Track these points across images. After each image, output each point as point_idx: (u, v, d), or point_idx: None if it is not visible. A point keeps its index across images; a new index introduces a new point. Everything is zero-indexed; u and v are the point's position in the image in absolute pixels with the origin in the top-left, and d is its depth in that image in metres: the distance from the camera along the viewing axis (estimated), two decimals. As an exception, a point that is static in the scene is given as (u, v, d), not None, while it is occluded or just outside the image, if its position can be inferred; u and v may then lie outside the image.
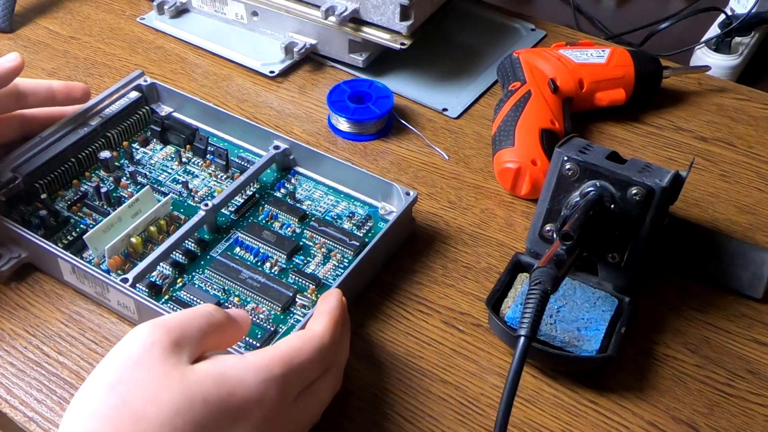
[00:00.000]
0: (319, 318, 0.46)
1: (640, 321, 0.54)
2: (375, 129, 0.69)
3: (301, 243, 0.57)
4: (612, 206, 0.50)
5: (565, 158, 0.51)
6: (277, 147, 0.62)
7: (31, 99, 0.60)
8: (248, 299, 0.53)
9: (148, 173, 0.63)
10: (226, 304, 0.53)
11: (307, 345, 0.43)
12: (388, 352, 0.52)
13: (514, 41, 0.80)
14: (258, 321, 0.52)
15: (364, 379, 0.51)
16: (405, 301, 0.56)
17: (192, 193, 0.61)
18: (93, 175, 0.62)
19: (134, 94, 0.66)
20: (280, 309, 0.53)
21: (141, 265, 0.52)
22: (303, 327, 0.48)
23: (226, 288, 0.54)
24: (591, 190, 0.50)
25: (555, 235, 0.53)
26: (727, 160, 0.67)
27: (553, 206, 0.52)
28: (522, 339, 0.42)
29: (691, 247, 0.58)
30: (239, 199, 0.60)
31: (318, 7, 0.72)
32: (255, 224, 0.58)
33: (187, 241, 0.57)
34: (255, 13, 0.77)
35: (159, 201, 0.58)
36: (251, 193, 0.61)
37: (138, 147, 0.65)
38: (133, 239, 0.56)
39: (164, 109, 0.68)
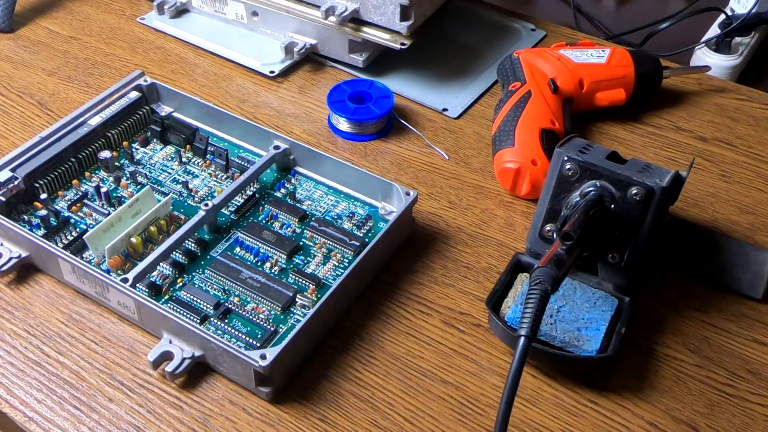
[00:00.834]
0: None
1: (640, 321, 0.54)
2: (375, 129, 0.69)
3: (301, 243, 0.57)
4: (612, 206, 0.50)
5: (565, 158, 0.51)
6: (277, 147, 0.62)
7: None
8: (248, 299, 0.53)
9: (148, 173, 0.63)
10: (227, 304, 0.53)
11: None
12: (388, 352, 0.52)
13: (514, 41, 0.80)
14: (258, 321, 0.52)
15: (364, 379, 0.51)
16: (405, 301, 0.56)
17: (192, 193, 0.61)
18: (93, 175, 0.62)
19: (134, 94, 0.66)
20: (280, 309, 0.53)
21: (141, 265, 0.52)
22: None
23: (226, 288, 0.54)
24: (591, 190, 0.50)
25: (555, 235, 0.53)
26: (727, 160, 0.67)
27: (553, 206, 0.52)
28: (522, 339, 0.42)
29: (691, 247, 0.58)
30: (239, 199, 0.60)
31: (318, 7, 0.72)
32: (255, 224, 0.58)
33: (187, 241, 0.57)
34: (255, 13, 0.77)
35: (159, 201, 0.58)
36: (251, 193, 0.61)
37: (138, 147, 0.65)
38: (133, 239, 0.56)
39: (164, 109, 0.68)
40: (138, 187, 0.61)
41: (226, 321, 0.52)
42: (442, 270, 0.58)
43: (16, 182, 0.58)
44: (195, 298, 0.53)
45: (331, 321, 0.53)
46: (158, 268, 0.55)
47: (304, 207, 0.60)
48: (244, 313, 0.53)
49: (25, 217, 0.58)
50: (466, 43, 0.80)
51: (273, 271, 0.55)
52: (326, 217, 0.59)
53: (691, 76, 0.76)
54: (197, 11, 0.81)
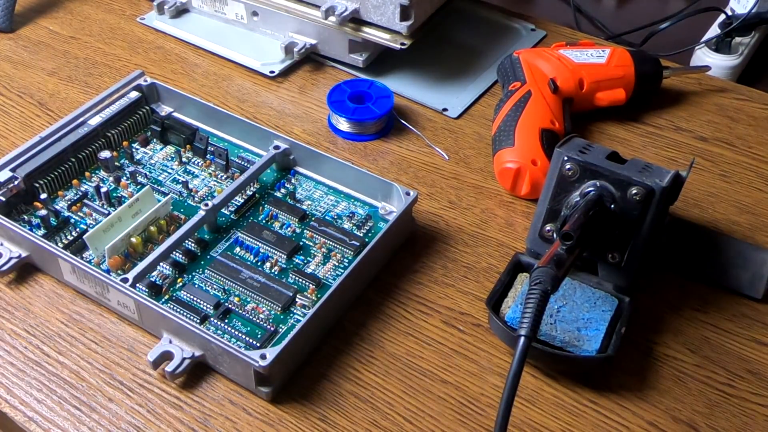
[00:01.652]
0: None
1: (640, 321, 0.54)
2: (375, 129, 0.69)
3: (301, 243, 0.57)
4: (612, 206, 0.50)
5: (565, 158, 0.51)
6: (277, 147, 0.62)
7: None
8: (248, 299, 0.53)
9: (148, 173, 0.63)
10: (227, 304, 0.53)
11: None
12: (388, 352, 0.52)
13: (514, 41, 0.80)
14: (258, 321, 0.52)
15: (364, 379, 0.51)
16: (405, 301, 0.56)
17: (192, 193, 0.61)
18: (93, 175, 0.62)
19: (134, 94, 0.66)
20: (280, 309, 0.53)
21: (141, 265, 0.52)
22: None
23: (226, 288, 0.54)
24: (591, 190, 0.50)
25: (555, 235, 0.53)
26: (727, 160, 0.67)
27: (553, 206, 0.52)
28: (522, 339, 0.42)
29: (691, 247, 0.58)
30: (239, 199, 0.60)
31: (318, 7, 0.72)
32: (255, 224, 0.58)
33: (187, 241, 0.57)
34: (255, 13, 0.77)
35: (159, 201, 0.58)
36: (251, 193, 0.61)
37: (138, 147, 0.65)
38: (133, 239, 0.56)
39: (164, 109, 0.68)
40: (138, 187, 0.61)
41: (226, 321, 0.52)
42: (442, 270, 0.58)
43: (16, 182, 0.58)
44: (195, 298, 0.53)
45: (331, 321, 0.53)
46: (158, 268, 0.55)
47: (304, 207, 0.60)
48: (244, 313, 0.53)
49: (25, 217, 0.58)
50: (466, 43, 0.80)
51: (273, 271, 0.55)
52: (326, 217, 0.59)
53: (691, 76, 0.76)
54: (197, 11, 0.81)
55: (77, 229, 0.58)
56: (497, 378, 0.51)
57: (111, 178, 0.62)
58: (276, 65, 0.75)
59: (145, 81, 0.67)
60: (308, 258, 0.56)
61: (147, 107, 0.67)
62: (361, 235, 0.58)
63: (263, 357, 0.46)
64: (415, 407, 0.49)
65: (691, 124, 0.71)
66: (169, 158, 0.64)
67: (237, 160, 0.64)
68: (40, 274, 0.57)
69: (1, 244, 0.56)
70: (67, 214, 0.59)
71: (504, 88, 0.70)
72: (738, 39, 0.82)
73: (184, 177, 0.62)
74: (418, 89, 0.74)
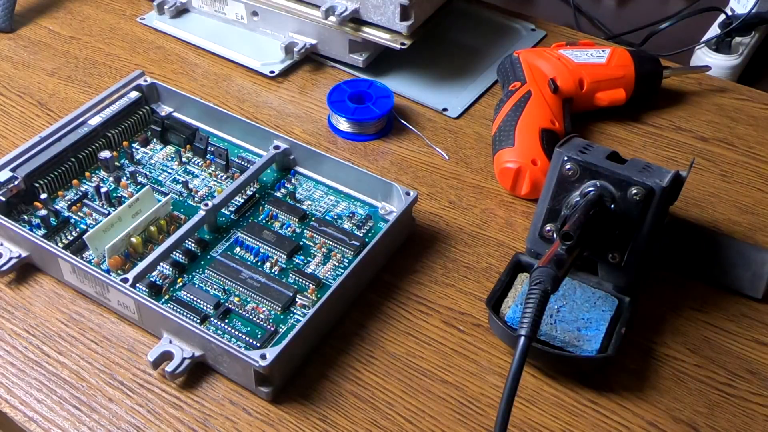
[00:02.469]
0: None
1: (640, 321, 0.54)
2: (375, 129, 0.69)
3: (301, 243, 0.57)
4: (612, 206, 0.50)
5: (565, 158, 0.51)
6: (277, 147, 0.62)
7: None
8: (248, 299, 0.53)
9: (148, 173, 0.63)
10: (227, 304, 0.53)
11: None
12: (388, 352, 0.52)
13: (514, 41, 0.80)
14: (258, 321, 0.52)
15: (364, 379, 0.51)
16: (405, 301, 0.56)
17: (192, 193, 0.61)
18: (93, 175, 0.62)
19: (134, 94, 0.66)
20: (280, 309, 0.53)
21: (141, 265, 0.52)
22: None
23: (226, 288, 0.54)
24: (591, 190, 0.50)
25: (555, 235, 0.53)
26: (727, 160, 0.67)
27: (553, 206, 0.52)
28: (522, 339, 0.42)
29: (691, 247, 0.58)
30: (239, 199, 0.60)
31: (318, 7, 0.72)
32: (255, 224, 0.58)
33: (187, 241, 0.57)
34: (255, 13, 0.77)
35: (159, 201, 0.58)
36: (251, 193, 0.61)
37: (138, 147, 0.65)
38: (133, 239, 0.56)
39: (164, 109, 0.68)
40: (138, 187, 0.61)
41: (226, 321, 0.52)
42: (442, 270, 0.58)
43: (16, 182, 0.58)
44: (195, 298, 0.53)
45: (331, 321, 0.53)
46: (158, 268, 0.55)
47: (304, 207, 0.60)
48: (244, 313, 0.53)
49: (25, 217, 0.58)
50: (466, 43, 0.80)
51: (273, 271, 0.55)
52: (326, 217, 0.59)
53: (691, 76, 0.76)
54: (197, 11, 0.81)
55: (77, 229, 0.58)
56: (497, 378, 0.51)
57: (111, 178, 0.62)
58: (276, 65, 0.75)
59: (145, 81, 0.67)
60: (308, 258, 0.56)
61: (147, 107, 0.67)
62: (361, 235, 0.58)
63: (263, 357, 0.46)
64: (415, 407, 0.49)
65: (691, 124, 0.71)
66: (169, 158, 0.64)
67: (237, 160, 0.64)
68: (40, 274, 0.57)
69: (1, 244, 0.56)
70: (67, 214, 0.59)
71: (504, 88, 0.70)
72: (738, 39, 0.82)
73: (184, 177, 0.62)
74: (418, 89, 0.74)
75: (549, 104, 0.65)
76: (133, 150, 0.65)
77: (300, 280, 0.55)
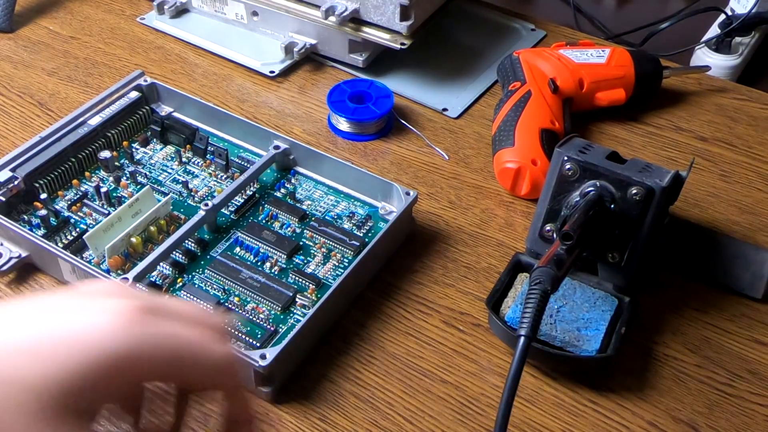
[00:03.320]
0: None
1: (640, 321, 0.54)
2: (375, 129, 0.69)
3: (301, 243, 0.57)
4: (612, 206, 0.50)
5: (565, 158, 0.51)
6: (277, 147, 0.62)
7: None
8: (248, 299, 0.53)
9: (148, 173, 0.63)
10: (227, 304, 0.53)
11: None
12: (388, 352, 0.52)
13: (514, 41, 0.80)
14: (258, 321, 0.52)
15: (364, 379, 0.51)
16: (405, 301, 0.56)
17: (192, 193, 0.61)
18: (93, 175, 0.62)
19: (134, 94, 0.66)
20: (280, 309, 0.53)
21: (141, 265, 0.52)
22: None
23: (226, 288, 0.54)
24: (591, 190, 0.50)
25: (555, 235, 0.53)
26: (727, 160, 0.67)
27: (553, 206, 0.52)
28: (522, 339, 0.42)
29: (691, 247, 0.58)
30: (239, 199, 0.60)
31: (318, 7, 0.72)
32: (255, 224, 0.58)
33: (187, 241, 0.57)
34: (255, 13, 0.77)
35: (159, 201, 0.58)
36: (251, 193, 0.61)
37: (138, 147, 0.65)
38: (133, 239, 0.56)
39: (164, 109, 0.68)
40: (138, 187, 0.61)
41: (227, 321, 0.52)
42: (442, 270, 0.58)
43: (16, 182, 0.58)
44: (195, 298, 0.53)
45: (331, 321, 0.53)
46: (158, 268, 0.55)
47: (304, 207, 0.60)
48: (244, 313, 0.53)
49: (25, 217, 0.58)
50: (466, 43, 0.80)
51: (273, 271, 0.55)
52: (326, 217, 0.59)
53: (691, 76, 0.76)
54: (197, 11, 0.81)
55: (77, 229, 0.58)
56: (497, 378, 0.51)
57: (111, 178, 0.62)
58: (276, 65, 0.75)
59: (145, 81, 0.67)
60: (308, 258, 0.56)
61: (147, 107, 0.67)
62: (361, 235, 0.58)
63: (263, 357, 0.46)
64: (415, 407, 0.49)
65: (691, 124, 0.71)
66: (169, 158, 0.64)
67: (237, 160, 0.64)
68: (40, 274, 0.56)
69: (1, 244, 0.56)
70: (67, 214, 0.59)
71: (504, 88, 0.70)
72: (738, 39, 0.82)
73: (184, 177, 0.62)
74: (418, 89, 0.74)
75: (549, 104, 0.65)
76: (133, 150, 0.65)
77: (300, 280, 0.55)
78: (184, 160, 0.64)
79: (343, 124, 0.68)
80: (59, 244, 0.56)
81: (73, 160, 0.61)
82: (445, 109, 0.72)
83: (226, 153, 0.62)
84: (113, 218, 0.55)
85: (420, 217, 0.61)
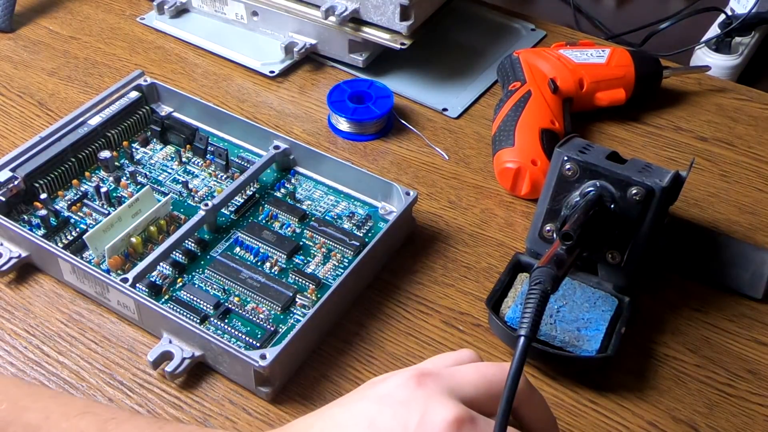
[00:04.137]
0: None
1: (640, 321, 0.54)
2: (375, 129, 0.69)
3: (301, 243, 0.57)
4: (612, 206, 0.50)
5: (565, 158, 0.51)
6: (277, 147, 0.62)
7: None
8: (248, 299, 0.53)
9: (148, 173, 0.63)
10: (227, 304, 0.53)
11: None
12: (388, 352, 0.52)
13: (514, 41, 0.80)
14: (258, 321, 0.52)
15: (364, 379, 0.51)
16: (405, 301, 0.56)
17: (192, 193, 0.61)
18: (93, 175, 0.62)
19: (134, 94, 0.66)
20: (280, 309, 0.53)
21: (141, 265, 0.52)
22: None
23: (226, 288, 0.54)
24: (591, 190, 0.50)
25: (555, 235, 0.53)
26: (727, 160, 0.67)
27: (553, 206, 0.52)
28: (522, 339, 0.42)
29: (691, 247, 0.58)
30: (239, 199, 0.60)
31: (318, 7, 0.72)
32: (255, 224, 0.58)
33: (187, 241, 0.57)
34: (255, 13, 0.77)
35: (159, 201, 0.58)
36: (251, 193, 0.61)
37: (138, 147, 0.65)
38: (133, 239, 0.56)
39: (164, 109, 0.68)
40: (138, 187, 0.61)
41: (226, 321, 0.52)
42: (442, 270, 0.58)
43: (16, 182, 0.58)
44: (195, 298, 0.53)
45: (331, 321, 0.53)
46: (158, 268, 0.55)
47: (304, 207, 0.60)
48: (244, 313, 0.53)
49: (25, 217, 0.58)
50: (466, 43, 0.80)
51: (273, 271, 0.55)
52: (326, 217, 0.59)
53: (691, 76, 0.76)
54: (197, 11, 0.81)
55: (77, 229, 0.58)
56: (497, 378, 0.51)
57: (111, 178, 0.62)
58: (276, 65, 0.75)
59: (145, 81, 0.67)
60: (308, 258, 0.56)
61: (147, 107, 0.67)
62: (361, 235, 0.58)
63: (263, 357, 0.46)
64: (415, 407, 0.49)
65: (691, 124, 0.71)
66: (169, 158, 0.64)
67: (237, 160, 0.64)
68: (40, 274, 0.56)
69: (1, 244, 0.56)
70: (67, 214, 0.59)
71: (504, 88, 0.70)
72: (738, 39, 0.82)
73: (184, 177, 0.62)
74: (418, 89, 0.74)
75: (549, 104, 0.65)
76: (133, 150, 0.65)
77: (300, 280, 0.55)
78: (184, 160, 0.64)
79: (343, 124, 0.68)
80: (59, 244, 0.56)
81: (73, 160, 0.61)
82: (445, 109, 0.72)
83: (226, 153, 0.62)
84: (113, 218, 0.55)
85: (420, 217, 0.61)
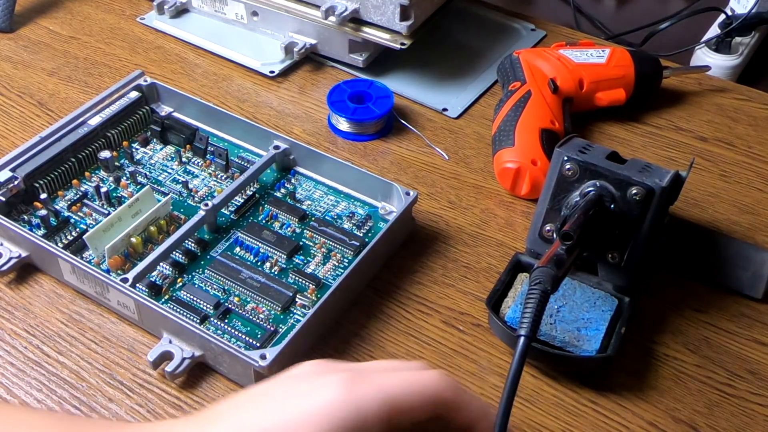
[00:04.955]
0: None
1: (640, 321, 0.54)
2: (375, 129, 0.69)
3: (301, 243, 0.57)
4: (612, 206, 0.50)
5: (565, 158, 0.51)
6: (277, 147, 0.62)
7: None
8: (248, 299, 0.53)
9: (148, 173, 0.63)
10: (227, 304, 0.53)
11: None
12: (388, 352, 0.52)
13: (514, 41, 0.80)
14: (258, 321, 0.52)
15: (364, 379, 0.51)
16: (405, 301, 0.56)
17: (192, 193, 0.61)
18: (93, 175, 0.62)
19: (134, 94, 0.66)
20: (280, 309, 0.53)
21: (141, 265, 0.52)
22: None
23: (226, 288, 0.54)
24: (591, 190, 0.50)
25: (555, 235, 0.53)
26: (727, 160, 0.67)
27: (553, 206, 0.52)
28: (522, 339, 0.42)
29: (691, 247, 0.58)
30: (239, 199, 0.60)
31: (318, 7, 0.72)
32: (255, 224, 0.58)
33: (187, 241, 0.57)
34: (255, 13, 0.77)
35: (159, 201, 0.58)
36: (251, 193, 0.61)
37: (138, 147, 0.65)
38: (133, 239, 0.56)
39: (164, 109, 0.68)
40: (138, 187, 0.61)
41: (226, 321, 0.52)
42: (442, 270, 0.58)
43: (16, 182, 0.58)
44: (195, 298, 0.53)
45: (331, 321, 0.53)
46: (158, 268, 0.55)
47: (304, 207, 0.60)
48: (244, 313, 0.53)
49: (25, 217, 0.58)
50: (466, 43, 0.80)
51: (273, 271, 0.55)
52: (326, 217, 0.59)
53: (691, 76, 0.76)
54: (197, 11, 0.81)
55: (77, 229, 0.58)
56: (497, 378, 0.51)
57: (111, 178, 0.62)
58: (276, 65, 0.75)
59: (145, 81, 0.67)
60: (308, 258, 0.56)
61: (147, 107, 0.67)
62: (361, 235, 0.58)
63: (263, 357, 0.46)
64: (415, 407, 0.49)
65: (691, 124, 0.71)
66: (169, 158, 0.64)
67: (237, 160, 0.64)
68: (40, 274, 0.56)
69: (1, 244, 0.56)
70: (67, 214, 0.59)
71: (504, 88, 0.70)
72: (738, 39, 0.82)
73: (184, 177, 0.62)
74: (418, 89, 0.74)
75: (549, 104, 0.65)
76: (133, 150, 0.65)
77: (300, 280, 0.55)
78: (184, 160, 0.64)
79: (343, 124, 0.68)
80: (59, 244, 0.56)
81: (73, 160, 0.61)
82: (445, 109, 0.72)
83: (226, 153, 0.62)
84: (113, 218, 0.55)
85: (420, 217, 0.61)
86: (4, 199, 0.57)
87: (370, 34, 0.71)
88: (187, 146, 0.65)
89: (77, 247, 0.56)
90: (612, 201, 0.50)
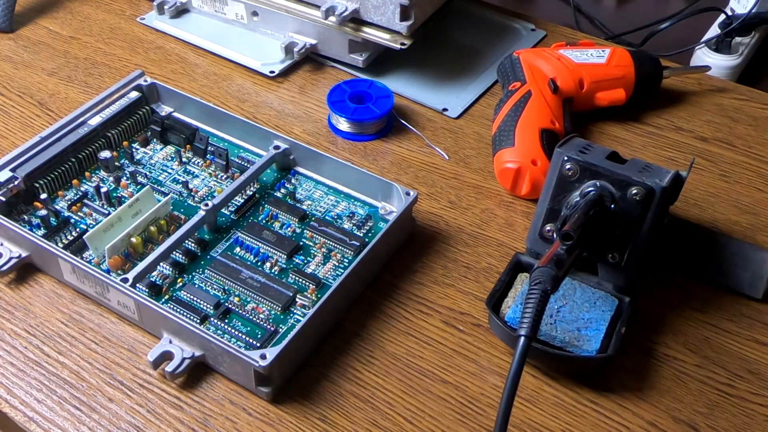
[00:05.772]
0: None
1: (640, 321, 0.54)
2: (375, 129, 0.69)
3: (301, 243, 0.57)
4: (612, 206, 0.50)
5: (565, 158, 0.51)
6: (277, 147, 0.62)
7: None
8: (248, 299, 0.53)
9: (148, 173, 0.63)
10: (227, 304, 0.53)
11: None
12: (388, 352, 0.52)
13: (514, 41, 0.80)
14: (258, 321, 0.52)
15: (364, 379, 0.51)
16: (405, 301, 0.56)
17: (192, 193, 0.61)
18: (93, 175, 0.62)
19: (134, 94, 0.66)
20: (280, 309, 0.53)
21: (141, 265, 0.52)
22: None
23: (226, 288, 0.54)
24: (591, 190, 0.50)
25: (555, 235, 0.53)
26: (727, 160, 0.67)
27: (553, 206, 0.52)
28: (522, 339, 0.42)
29: (691, 247, 0.58)
30: (239, 199, 0.60)
31: (318, 7, 0.72)
32: (255, 224, 0.58)
33: (187, 241, 0.57)
34: (255, 13, 0.77)
35: (159, 201, 0.58)
36: (251, 193, 0.61)
37: (138, 147, 0.65)
38: (133, 239, 0.56)
39: (164, 109, 0.68)
40: (138, 187, 0.61)
41: (226, 321, 0.52)
42: (442, 270, 0.58)
43: (16, 182, 0.58)
44: (195, 298, 0.53)
45: (331, 321, 0.53)
46: (158, 268, 0.55)
47: (304, 207, 0.60)
48: (244, 313, 0.53)
49: (25, 217, 0.58)
50: (466, 43, 0.80)
51: (273, 271, 0.55)
52: (326, 217, 0.59)
53: (691, 76, 0.76)
54: (197, 11, 0.81)
55: (77, 229, 0.58)
56: (497, 378, 0.51)
57: (111, 178, 0.62)
58: (276, 65, 0.75)
59: (145, 81, 0.67)
60: (308, 258, 0.56)
61: (147, 107, 0.67)
62: (361, 235, 0.58)
63: (263, 357, 0.46)
64: (415, 407, 0.49)
65: (691, 124, 0.71)
66: (169, 158, 0.64)
67: (237, 160, 0.64)
68: (40, 274, 0.57)
69: (1, 244, 0.56)
70: (67, 214, 0.59)
71: (504, 88, 0.70)
72: (738, 39, 0.82)
73: (184, 177, 0.62)
74: (418, 89, 0.74)
75: (549, 104, 0.65)
76: (133, 150, 0.65)
77: (300, 280, 0.55)
78: (184, 160, 0.64)
79: (343, 124, 0.68)
80: (59, 244, 0.56)
81: (73, 160, 0.61)
82: (445, 109, 0.72)
83: (226, 153, 0.62)
84: (113, 218, 0.55)
85: (420, 217, 0.61)
86: (4, 199, 0.57)
87: (370, 34, 0.71)
88: (187, 146, 0.65)
89: (77, 247, 0.56)
90: (612, 201, 0.50)
